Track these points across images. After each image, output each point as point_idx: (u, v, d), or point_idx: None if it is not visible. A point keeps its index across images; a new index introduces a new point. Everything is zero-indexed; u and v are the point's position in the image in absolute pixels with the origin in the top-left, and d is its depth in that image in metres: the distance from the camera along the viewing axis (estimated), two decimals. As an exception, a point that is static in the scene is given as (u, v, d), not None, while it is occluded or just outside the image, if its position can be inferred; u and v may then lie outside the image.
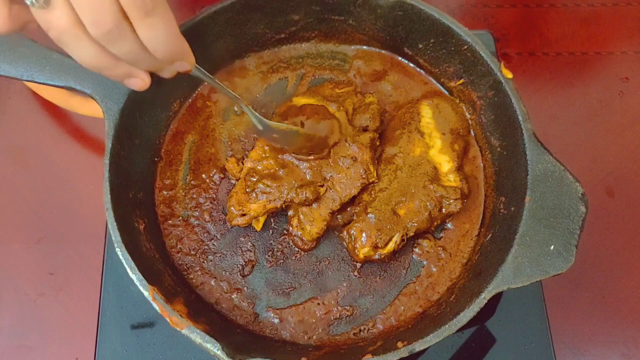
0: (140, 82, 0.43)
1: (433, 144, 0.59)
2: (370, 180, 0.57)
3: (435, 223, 0.57)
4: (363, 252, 0.55)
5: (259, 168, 0.57)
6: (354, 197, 0.58)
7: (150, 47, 0.39)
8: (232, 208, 0.56)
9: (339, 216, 0.59)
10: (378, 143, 0.60)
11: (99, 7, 0.36)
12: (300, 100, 0.61)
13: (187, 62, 0.44)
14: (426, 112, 0.61)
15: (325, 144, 0.57)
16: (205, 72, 0.49)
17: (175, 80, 0.61)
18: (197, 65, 0.47)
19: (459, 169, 0.59)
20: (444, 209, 0.57)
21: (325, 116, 0.58)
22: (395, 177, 0.57)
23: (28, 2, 0.36)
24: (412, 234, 0.56)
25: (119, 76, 0.43)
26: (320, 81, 0.66)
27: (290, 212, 0.58)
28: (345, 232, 0.57)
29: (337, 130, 0.58)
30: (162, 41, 0.39)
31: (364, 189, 0.58)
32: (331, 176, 0.57)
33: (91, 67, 0.40)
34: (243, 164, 0.59)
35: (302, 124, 0.57)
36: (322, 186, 0.57)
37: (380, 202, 0.56)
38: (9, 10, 0.37)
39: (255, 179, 0.56)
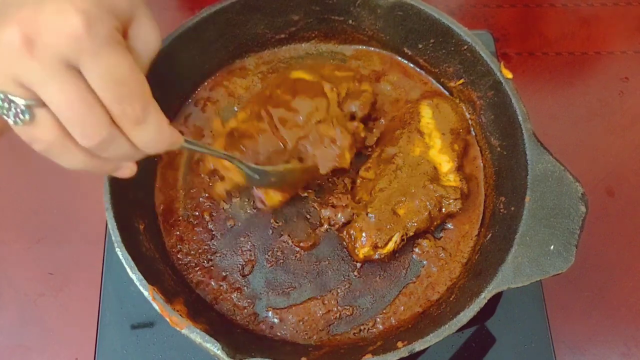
0: (129, 171, 0.43)
1: (433, 144, 0.59)
2: (342, 167, 0.58)
3: (435, 223, 0.57)
4: (363, 252, 0.55)
5: (242, 129, 0.58)
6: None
7: (142, 147, 0.39)
8: (212, 164, 0.58)
9: (330, 214, 0.59)
10: (363, 134, 0.61)
11: (89, 120, 0.35)
12: (298, 74, 0.61)
13: (177, 145, 0.43)
14: (426, 112, 0.61)
15: (318, 171, 0.58)
16: (190, 141, 0.47)
17: (174, 84, 0.61)
18: (185, 140, 0.45)
19: (459, 169, 0.59)
20: (443, 209, 0.57)
21: (316, 94, 0.59)
22: (395, 177, 0.58)
23: (11, 122, 0.35)
24: (412, 233, 0.56)
25: (108, 171, 0.42)
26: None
27: None
28: (345, 232, 0.57)
29: (324, 109, 0.58)
30: (154, 140, 0.39)
31: (361, 187, 0.58)
32: (306, 150, 0.58)
33: (80, 170, 0.40)
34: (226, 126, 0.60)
35: (292, 97, 0.58)
36: (294, 158, 0.57)
37: (380, 201, 0.56)
38: None
39: (235, 139, 0.57)
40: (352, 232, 0.56)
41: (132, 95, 0.36)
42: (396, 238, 0.55)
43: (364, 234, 0.55)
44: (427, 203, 0.56)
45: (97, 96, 0.35)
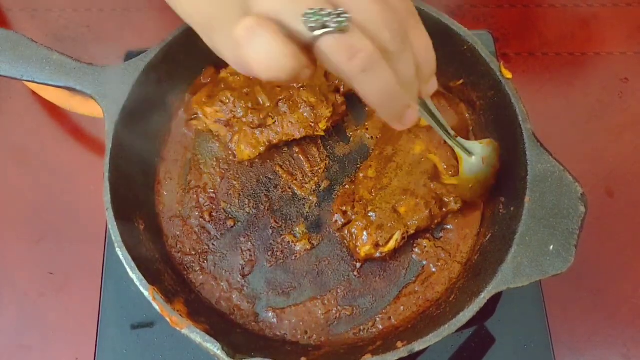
0: (414, 114, 0.42)
1: (432, 141, 0.59)
2: (315, 134, 0.60)
3: (436, 221, 0.57)
4: (364, 250, 0.55)
5: (229, 80, 0.60)
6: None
7: (421, 56, 0.39)
8: (195, 106, 0.61)
9: (337, 216, 0.59)
10: (344, 108, 0.62)
11: (388, 16, 0.35)
12: None
13: (436, 81, 0.43)
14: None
15: None
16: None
17: (174, 81, 0.62)
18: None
19: (457, 165, 0.59)
20: (444, 207, 0.57)
21: None
22: (395, 175, 0.58)
23: (319, 32, 0.34)
24: (412, 231, 0.56)
25: (402, 108, 0.41)
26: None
27: (235, 128, 0.60)
28: (346, 231, 0.57)
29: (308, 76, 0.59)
30: (429, 47, 0.40)
31: (362, 186, 0.58)
32: (284, 112, 0.60)
33: (386, 98, 0.39)
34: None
35: None
36: (271, 117, 0.59)
37: (380, 200, 0.56)
38: (294, 50, 0.35)
39: (221, 87, 0.60)
40: (353, 230, 0.56)
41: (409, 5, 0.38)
42: (397, 236, 0.55)
43: (365, 233, 0.55)
44: (428, 201, 0.56)
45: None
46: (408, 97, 0.40)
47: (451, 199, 0.57)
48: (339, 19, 0.34)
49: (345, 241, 0.57)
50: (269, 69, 0.35)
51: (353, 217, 0.57)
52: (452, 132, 0.52)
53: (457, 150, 0.55)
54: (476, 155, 0.56)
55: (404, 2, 0.38)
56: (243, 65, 0.36)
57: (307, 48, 0.36)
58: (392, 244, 0.55)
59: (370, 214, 0.56)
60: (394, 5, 0.37)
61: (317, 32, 0.34)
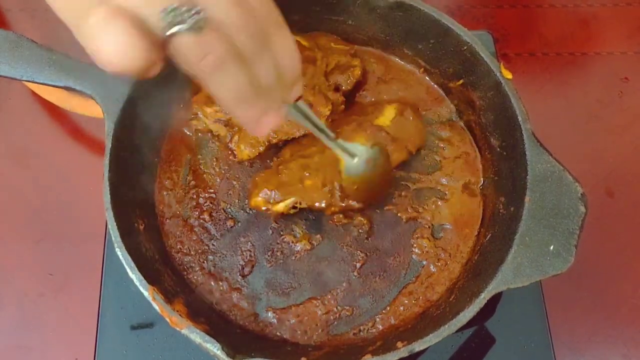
0: (272, 121, 0.41)
1: None
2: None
3: (332, 209, 0.58)
4: (255, 200, 0.57)
5: None
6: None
7: (283, 62, 0.39)
8: (195, 106, 0.61)
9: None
10: (343, 108, 0.62)
11: (248, 24, 0.35)
12: (296, 37, 0.62)
13: (300, 87, 0.43)
14: (389, 113, 0.61)
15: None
16: (305, 110, 0.46)
17: (174, 80, 0.61)
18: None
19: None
20: (343, 202, 0.57)
21: (306, 60, 0.60)
22: (321, 151, 0.58)
23: (175, 30, 0.34)
24: (304, 206, 0.57)
25: (257, 113, 0.40)
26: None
27: (235, 128, 0.61)
28: (254, 178, 0.59)
29: (309, 76, 0.60)
30: (292, 54, 0.39)
31: (289, 147, 0.60)
32: None
33: (237, 102, 0.39)
34: None
35: None
36: None
37: (296, 165, 0.57)
38: (146, 45, 0.34)
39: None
40: (256, 179, 0.58)
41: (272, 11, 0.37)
42: (289, 202, 0.56)
43: (265, 188, 0.57)
44: (333, 188, 0.57)
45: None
46: (265, 103, 0.39)
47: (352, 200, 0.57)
48: (195, 18, 0.33)
49: (247, 185, 0.60)
50: (117, 61, 0.34)
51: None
52: (332, 135, 0.51)
53: (337, 152, 0.53)
54: (359, 157, 0.54)
55: (266, 6, 0.37)
56: (96, 56, 0.35)
57: (161, 44, 0.35)
58: (281, 207, 0.56)
59: (280, 174, 0.57)
60: (255, 9, 0.36)
61: (172, 30, 0.34)
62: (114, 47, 0.34)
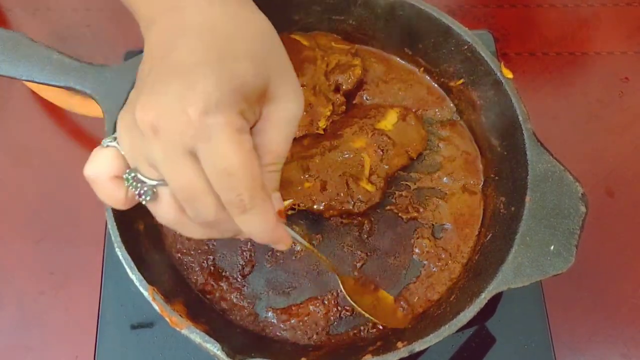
0: (243, 235, 0.42)
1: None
2: (314, 132, 0.59)
3: (331, 212, 0.57)
4: None
5: None
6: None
7: (247, 235, 0.40)
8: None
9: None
10: (343, 108, 0.61)
11: (199, 204, 0.36)
12: (297, 36, 0.63)
13: (283, 245, 0.43)
14: (391, 117, 0.61)
15: None
16: (296, 236, 0.47)
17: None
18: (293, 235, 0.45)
19: (385, 178, 0.59)
20: (343, 206, 0.57)
21: (306, 59, 0.60)
22: (322, 153, 0.58)
23: (137, 199, 0.38)
24: (302, 208, 0.57)
25: (230, 236, 0.42)
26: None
27: None
28: None
29: (309, 76, 0.60)
30: (258, 233, 0.39)
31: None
32: None
33: (201, 238, 0.44)
34: None
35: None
36: None
37: (296, 166, 0.57)
38: (125, 194, 0.39)
39: None
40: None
41: (239, 185, 0.35)
42: (287, 204, 0.56)
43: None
44: (332, 192, 0.57)
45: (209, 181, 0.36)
46: (230, 235, 0.41)
47: (356, 200, 0.57)
48: (145, 196, 0.38)
49: None
50: (105, 201, 0.40)
51: None
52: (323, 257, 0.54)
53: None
54: None
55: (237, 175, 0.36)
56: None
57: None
58: None
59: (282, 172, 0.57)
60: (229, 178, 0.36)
61: (139, 198, 0.38)
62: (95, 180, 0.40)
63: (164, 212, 0.38)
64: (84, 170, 0.40)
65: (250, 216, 0.37)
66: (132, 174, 0.37)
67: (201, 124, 0.33)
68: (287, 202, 0.56)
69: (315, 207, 0.57)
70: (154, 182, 0.37)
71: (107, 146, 0.39)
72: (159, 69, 0.35)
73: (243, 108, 0.35)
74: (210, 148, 0.34)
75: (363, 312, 0.53)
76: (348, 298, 0.54)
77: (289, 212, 0.57)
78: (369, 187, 0.58)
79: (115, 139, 0.39)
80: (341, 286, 0.54)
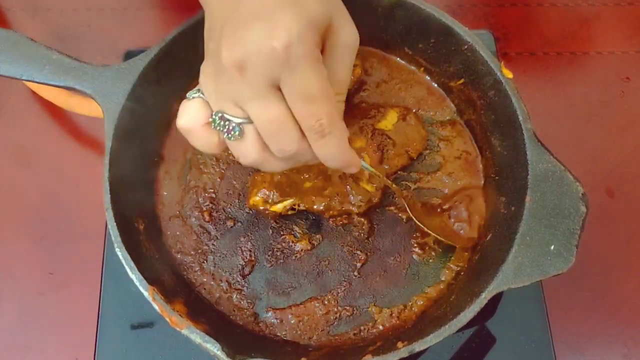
0: (317, 161, 0.46)
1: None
2: None
3: (331, 212, 0.58)
4: (254, 199, 0.57)
5: None
6: None
7: (323, 160, 0.43)
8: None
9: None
10: (343, 108, 0.61)
11: (282, 138, 0.40)
12: None
13: (354, 168, 0.46)
14: (392, 117, 0.61)
15: None
16: (368, 167, 0.51)
17: (174, 80, 0.61)
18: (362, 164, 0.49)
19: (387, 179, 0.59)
20: (344, 206, 0.57)
21: None
22: None
23: (224, 137, 0.41)
24: (303, 208, 0.57)
25: (304, 162, 0.46)
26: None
27: None
28: (255, 176, 0.58)
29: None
30: (333, 157, 0.43)
31: None
32: None
33: (279, 171, 0.46)
34: None
35: None
36: None
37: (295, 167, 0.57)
38: (219, 138, 0.42)
39: None
40: (256, 177, 0.58)
41: (320, 111, 0.39)
42: (287, 203, 0.56)
43: (263, 187, 0.56)
44: (332, 192, 0.57)
45: (291, 112, 0.39)
46: (303, 160, 0.44)
47: (356, 200, 0.57)
48: (232, 134, 0.41)
49: (247, 185, 0.60)
50: (199, 147, 0.44)
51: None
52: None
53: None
54: None
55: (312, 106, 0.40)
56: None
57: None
58: (279, 208, 0.56)
59: (282, 172, 0.57)
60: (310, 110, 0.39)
61: (224, 136, 0.41)
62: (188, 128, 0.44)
63: (248, 150, 0.41)
64: (177, 124, 0.43)
65: (328, 140, 0.40)
66: (219, 114, 0.40)
67: (287, 54, 0.36)
68: (287, 202, 0.56)
69: (315, 207, 0.57)
70: (240, 120, 0.40)
71: (193, 98, 0.42)
72: (235, 19, 0.38)
73: (317, 41, 0.38)
74: (295, 76, 0.37)
75: (435, 234, 0.56)
76: (417, 221, 0.56)
77: (289, 212, 0.57)
78: (369, 187, 0.58)
79: (198, 90, 0.42)
80: (408, 210, 0.56)
